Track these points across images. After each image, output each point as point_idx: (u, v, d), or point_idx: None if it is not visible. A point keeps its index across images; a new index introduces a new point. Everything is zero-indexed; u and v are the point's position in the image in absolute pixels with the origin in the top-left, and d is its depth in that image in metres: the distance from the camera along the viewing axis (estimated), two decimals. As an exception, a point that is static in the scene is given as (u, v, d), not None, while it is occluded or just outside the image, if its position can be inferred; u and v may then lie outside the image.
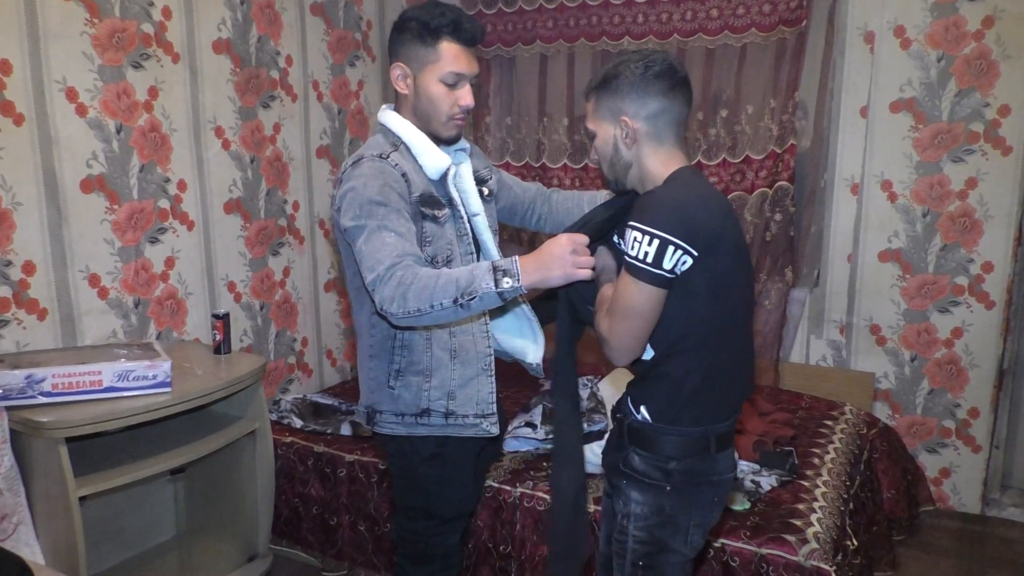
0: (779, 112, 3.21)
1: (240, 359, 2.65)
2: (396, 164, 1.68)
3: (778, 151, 3.21)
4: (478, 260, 1.81)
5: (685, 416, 1.57)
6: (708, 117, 3.37)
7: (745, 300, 1.62)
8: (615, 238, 1.68)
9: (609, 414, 1.85)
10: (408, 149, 1.73)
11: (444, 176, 1.75)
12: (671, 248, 1.42)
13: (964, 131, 3.00)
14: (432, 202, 1.71)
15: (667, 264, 1.43)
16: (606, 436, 2.53)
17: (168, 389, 2.23)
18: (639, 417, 1.61)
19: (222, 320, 2.64)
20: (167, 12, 2.66)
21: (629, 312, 1.48)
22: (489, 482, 2.50)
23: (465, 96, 1.72)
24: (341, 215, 1.65)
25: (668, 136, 1.56)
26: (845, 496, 2.54)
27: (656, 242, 1.41)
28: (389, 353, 1.76)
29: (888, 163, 3.15)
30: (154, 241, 2.70)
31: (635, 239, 1.44)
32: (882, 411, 3.30)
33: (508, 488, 2.48)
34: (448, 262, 1.73)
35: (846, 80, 3.17)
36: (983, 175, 3.00)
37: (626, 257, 1.46)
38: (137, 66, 2.58)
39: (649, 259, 1.43)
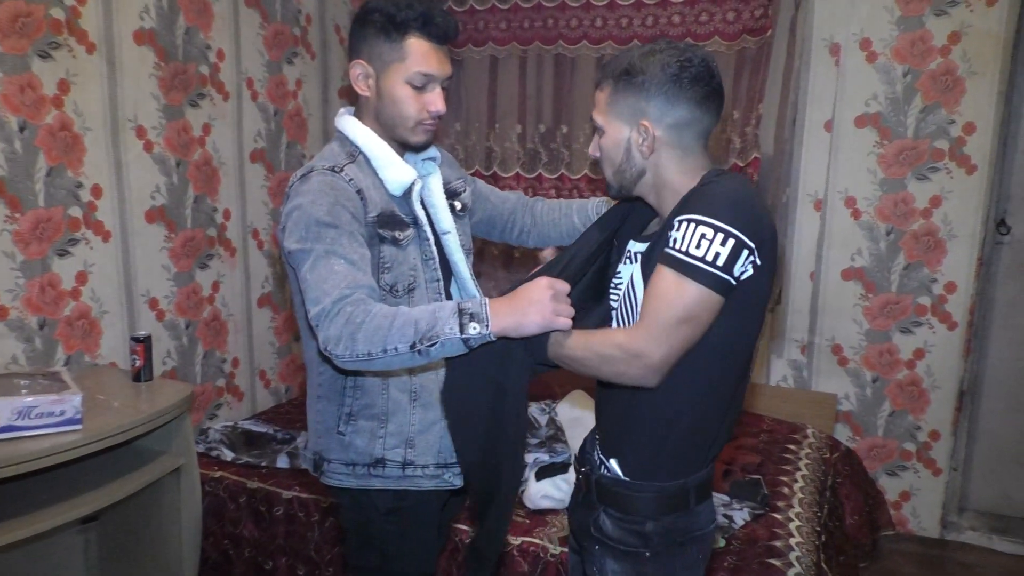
0: (741, 124, 3.09)
1: (163, 387, 2.37)
2: (351, 179, 1.45)
3: (741, 164, 3.09)
4: (446, 287, 1.59)
5: (663, 469, 1.36)
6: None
7: (758, 328, 1.40)
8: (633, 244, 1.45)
9: (573, 460, 1.65)
10: (367, 160, 1.51)
11: (409, 191, 1.53)
12: (745, 252, 1.21)
13: (929, 148, 2.94)
14: (393, 222, 1.49)
15: (737, 270, 1.22)
16: (571, 469, 2.37)
17: (79, 427, 1.94)
18: (608, 473, 1.41)
19: (143, 344, 2.35)
20: (81, -5, 2.37)
21: (689, 318, 1.23)
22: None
23: (435, 100, 1.50)
24: (286, 236, 1.43)
25: (694, 147, 1.33)
26: (818, 528, 2.42)
27: (731, 242, 1.20)
28: (339, 395, 1.54)
29: (852, 179, 3.06)
30: (63, 254, 2.39)
31: (703, 235, 1.20)
32: (843, 433, 3.22)
33: (464, 527, 2.27)
34: (410, 291, 1.51)
35: (811, 93, 3.08)
36: (947, 193, 2.95)
37: (684, 256, 1.22)
38: (45, 56, 2.27)
39: (720, 262, 1.20)
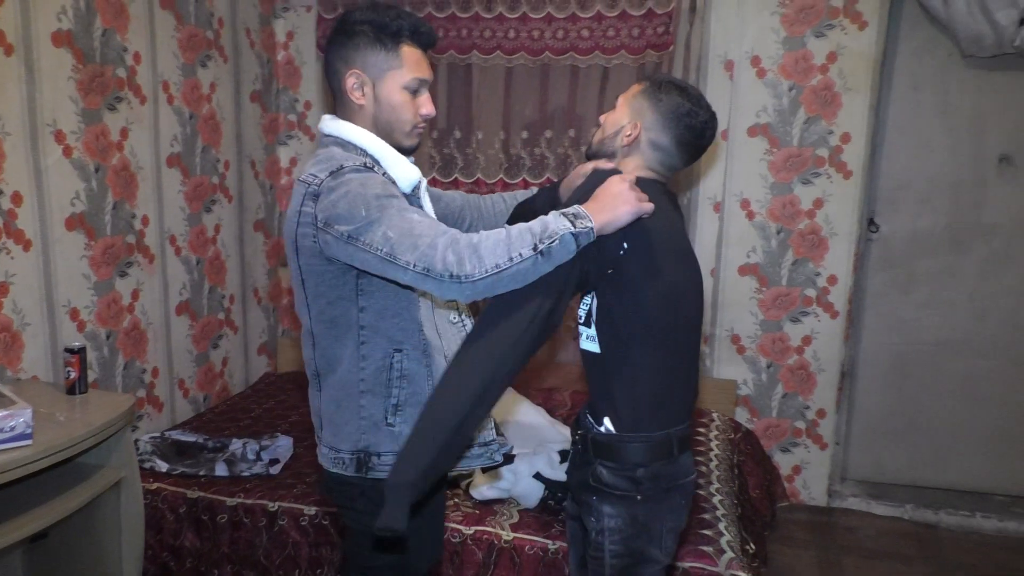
0: (646, 132, 3.32)
1: (100, 399, 2.32)
2: (384, 174, 1.52)
3: (647, 170, 3.31)
4: None
5: (648, 422, 1.58)
6: (581, 135, 3.42)
7: (697, 306, 1.67)
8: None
9: (570, 432, 1.81)
10: (377, 162, 1.56)
11: (416, 188, 1.62)
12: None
13: (812, 156, 3.28)
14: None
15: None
16: (517, 460, 2.49)
17: (29, 441, 1.89)
18: (602, 430, 1.61)
19: (77, 355, 2.29)
20: (-2, -4, 2.27)
21: None
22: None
23: (426, 103, 1.60)
24: (337, 225, 1.42)
25: (656, 166, 1.62)
26: (735, 501, 2.66)
27: None
28: (386, 386, 1.57)
29: (746, 183, 3.36)
30: (-16, 264, 2.28)
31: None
32: (742, 415, 3.52)
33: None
34: None
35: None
36: (828, 196, 3.29)
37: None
38: (-37, 57, 2.17)
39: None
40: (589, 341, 1.63)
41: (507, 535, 2.31)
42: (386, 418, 1.58)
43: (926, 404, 3.52)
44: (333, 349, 1.58)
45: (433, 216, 1.68)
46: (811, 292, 3.37)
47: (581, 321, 1.66)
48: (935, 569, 3.08)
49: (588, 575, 1.73)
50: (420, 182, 1.62)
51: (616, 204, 1.43)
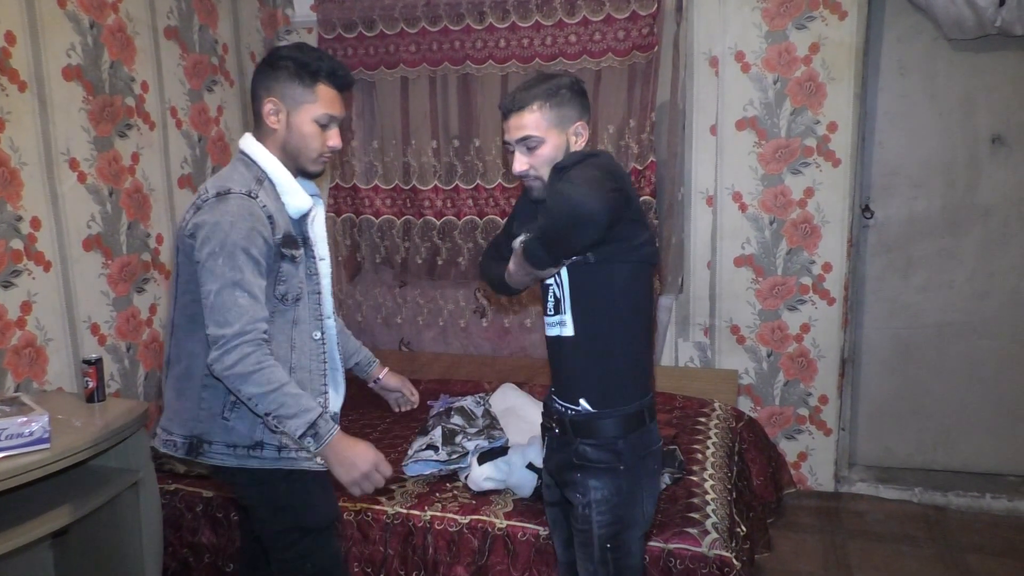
0: (637, 131, 3.41)
1: (117, 406, 2.47)
2: (264, 205, 1.69)
3: (639, 168, 3.40)
4: (320, 301, 1.86)
5: (621, 396, 1.75)
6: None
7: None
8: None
9: (541, 420, 1.94)
10: (272, 185, 1.75)
11: (305, 216, 1.80)
12: None
13: (800, 146, 3.33)
14: (291, 242, 1.76)
15: None
16: (509, 452, 2.60)
17: (47, 445, 2.05)
18: (579, 410, 1.76)
19: (95, 366, 2.45)
20: (10, 37, 2.46)
21: None
22: (396, 508, 2.48)
23: (334, 137, 1.80)
24: (197, 243, 1.65)
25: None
26: (729, 487, 2.73)
27: None
28: None
29: (737, 176, 3.43)
30: (7, 285, 2.47)
31: None
32: (745, 404, 3.58)
33: (417, 512, 2.47)
34: (296, 300, 1.78)
35: (696, 101, 3.43)
36: (818, 185, 3.34)
37: None
38: (-20, 95, 2.36)
39: None
40: (559, 327, 1.78)
41: (501, 523, 2.41)
42: (223, 412, 1.76)
43: (931, 387, 3.53)
44: (187, 343, 1.77)
45: (324, 239, 1.89)
46: (807, 280, 3.42)
47: (549, 312, 1.80)
48: (943, 550, 3.09)
49: (574, 554, 1.85)
50: (310, 210, 1.81)
51: (351, 468, 1.68)
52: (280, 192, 1.75)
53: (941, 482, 3.49)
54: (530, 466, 2.56)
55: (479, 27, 3.53)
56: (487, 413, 2.89)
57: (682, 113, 3.41)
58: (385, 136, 3.79)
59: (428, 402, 3.08)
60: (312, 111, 1.74)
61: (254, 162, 1.76)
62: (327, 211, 3.76)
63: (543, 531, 2.37)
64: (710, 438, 3.05)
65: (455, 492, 2.61)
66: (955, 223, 3.41)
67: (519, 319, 3.78)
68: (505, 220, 2.07)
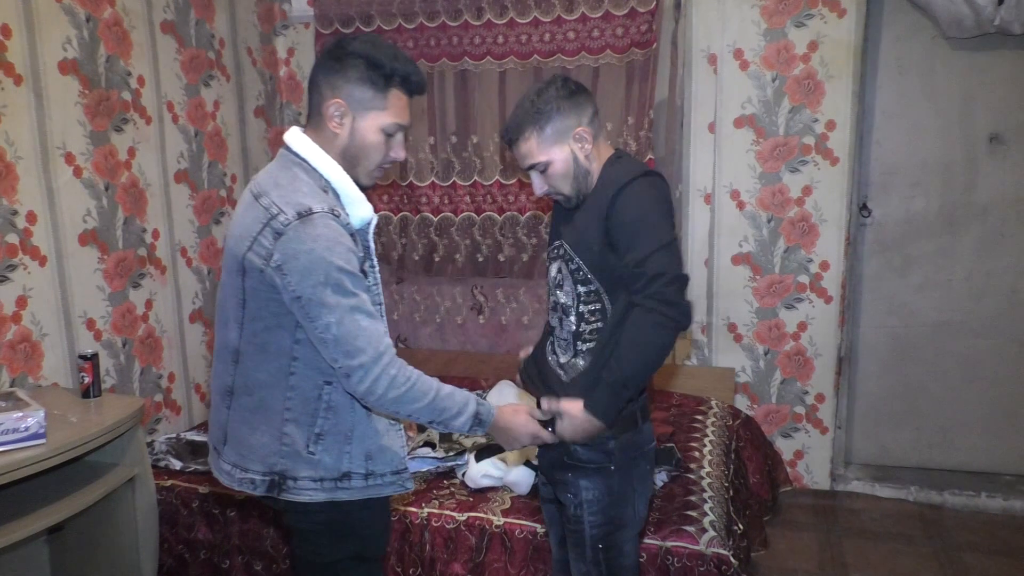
0: (635, 128, 3.40)
1: (113, 401, 2.47)
2: (347, 223, 1.54)
3: (637, 165, 3.39)
4: (383, 311, 1.72)
5: None
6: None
7: None
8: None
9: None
10: (336, 195, 1.59)
11: (367, 225, 1.66)
12: None
13: (798, 144, 3.33)
14: (366, 253, 1.64)
15: None
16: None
17: (43, 440, 2.04)
18: None
19: (90, 361, 2.44)
20: (6, 31, 2.44)
21: None
22: (393, 505, 2.48)
23: (398, 148, 1.63)
24: (294, 277, 1.47)
25: (603, 139, 1.78)
26: (726, 485, 2.73)
27: None
28: (311, 417, 1.59)
29: (735, 174, 3.43)
30: (3, 280, 2.45)
31: None
32: (742, 402, 3.58)
33: (414, 510, 2.47)
34: (377, 307, 1.67)
35: (694, 98, 3.42)
36: (816, 183, 3.34)
37: None
38: (-24, 89, 2.35)
39: None
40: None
41: (498, 520, 2.41)
42: (308, 446, 1.59)
43: (927, 386, 3.54)
44: (256, 373, 1.60)
45: (374, 256, 1.72)
46: (804, 279, 3.42)
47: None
48: (939, 549, 3.10)
49: (568, 552, 1.85)
50: (372, 220, 1.66)
51: (516, 439, 1.71)
52: (344, 202, 1.59)
53: (937, 481, 3.50)
54: (528, 463, 2.56)
55: (477, 23, 3.52)
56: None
57: (680, 110, 3.41)
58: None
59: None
60: (381, 119, 1.57)
61: (315, 170, 1.58)
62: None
63: (540, 528, 2.36)
64: (707, 436, 3.05)
65: (452, 489, 2.60)
66: (953, 222, 3.41)
67: (516, 316, 3.78)
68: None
